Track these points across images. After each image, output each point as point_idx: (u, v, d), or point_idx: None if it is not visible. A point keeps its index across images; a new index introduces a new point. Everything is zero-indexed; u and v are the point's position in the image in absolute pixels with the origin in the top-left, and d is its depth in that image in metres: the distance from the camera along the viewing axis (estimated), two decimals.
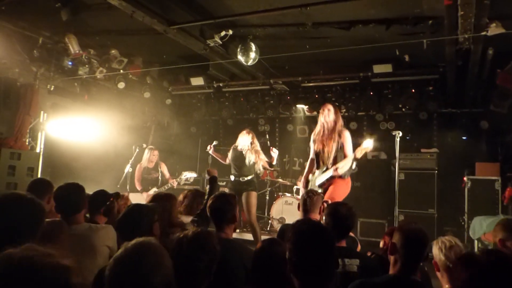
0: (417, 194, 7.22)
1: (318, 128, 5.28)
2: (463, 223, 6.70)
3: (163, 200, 3.01)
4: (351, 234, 3.70)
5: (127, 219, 2.53)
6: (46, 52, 6.62)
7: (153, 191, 7.15)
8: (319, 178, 5.16)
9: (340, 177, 4.93)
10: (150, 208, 2.68)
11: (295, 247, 2.01)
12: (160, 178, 7.33)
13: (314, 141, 5.29)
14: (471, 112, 7.75)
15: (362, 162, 8.99)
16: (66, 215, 2.95)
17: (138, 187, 7.27)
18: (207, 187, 3.78)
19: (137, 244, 1.56)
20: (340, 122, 5.19)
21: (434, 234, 6.59)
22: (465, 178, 6.95)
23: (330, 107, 5.23)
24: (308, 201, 3.57)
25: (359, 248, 3.84)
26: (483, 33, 4.75)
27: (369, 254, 3.20)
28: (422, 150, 7.71)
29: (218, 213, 2.95)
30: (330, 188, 4.97)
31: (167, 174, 7.41)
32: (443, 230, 6.87)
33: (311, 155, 5.41)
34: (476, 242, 6.05)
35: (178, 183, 7.35)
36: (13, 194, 2.04)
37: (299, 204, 3.80)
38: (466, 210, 6.68)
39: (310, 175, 5.38)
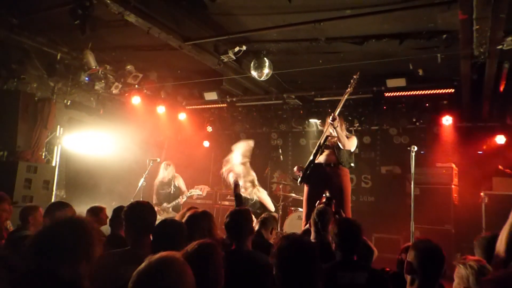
0: (433, 209, 7.08)
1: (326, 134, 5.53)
2: None
3: (200, 220, 2.95)
4: (369, 243, 3.67)
5: (162, 234, 2.59)
6: (64, 68, 6.76)
7: (164, 205, 7.18)
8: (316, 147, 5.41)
9: (343, 166, 5.27)
10: (183, 225, 2.73)
11: None
12: (172, 193, 7.31)
13: None
14: (486, 126, 7.64)
15: (376, 177, 8.98)
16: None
17: (154, 201, 7.31)
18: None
19: (158, 260, 1.56)
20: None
21: (451, 251, 6.47)
22: (482, 193, 6.82)
23: (340, 119, 5.38)
24: (320, 225, 3.56)
25: (375, 256, 3.80)
26: (499, 47, 4.72)
27: (387, 270, 3.15)
28: (438, 165, 7.61)
29: (234, 229, 3.00)
30: (341, 186, 5.22)
31: (182, 188, 7.37)
32: (460, 247, 6.72)
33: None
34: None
35: (190, 196, 7.37)
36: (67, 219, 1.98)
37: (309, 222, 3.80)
38: (483, 226, 6.54)
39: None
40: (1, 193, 4.10)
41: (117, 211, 3.76)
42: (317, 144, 5.38)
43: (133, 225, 2.75)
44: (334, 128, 5.11)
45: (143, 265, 1.56)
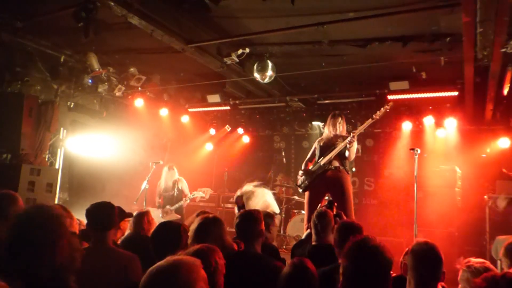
0: (436, 212, 7.05)
1: (327, 134, 5.56)
2: (484, 242, 6.52)
3: (212, 226, 2.92)
4: None
5: (161, 236, 2.64)
6: (67, 70, 6.79)
7: (167, 208, 7.17)
8: (324, 160, 5.38)
9: (347, 172, 5.32)
10: (182, 227, 2.77)
11: None
12: (175, 195, 7.31)
13: (320, 142, 5.56)
14: (490, 129, 7.63)
15: (379, 180, 8.96)
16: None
17: (157, 204, 7.32)
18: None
19: (173, 262, 1.57)
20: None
21: (454, 254, 6.43)
22: (485, 196, 6.79)
23: (343, 120, 5.52)
24: (319, 226, 3.57)
25: None
26: (503, 50, 4.71)
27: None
28: (441, 168, 7.58)
29: (243, 230, 2.99)
30: (343, 189, 5.22)
31: (185, 191, 7.37)
32: (464, 250, 6.69)
33: (310, 155, 5.66)
34: (499, 262, 5.88)
35: (193, 199, 7.37)
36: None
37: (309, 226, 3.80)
38: (487, 229, 6.51)
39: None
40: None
41: (139, 216, 4.03)
42: (327, 158, 5.34)
43: (95, 223, 2.95)
44: (350, 147, 5.16)
45: (156, 265, 1.56)
